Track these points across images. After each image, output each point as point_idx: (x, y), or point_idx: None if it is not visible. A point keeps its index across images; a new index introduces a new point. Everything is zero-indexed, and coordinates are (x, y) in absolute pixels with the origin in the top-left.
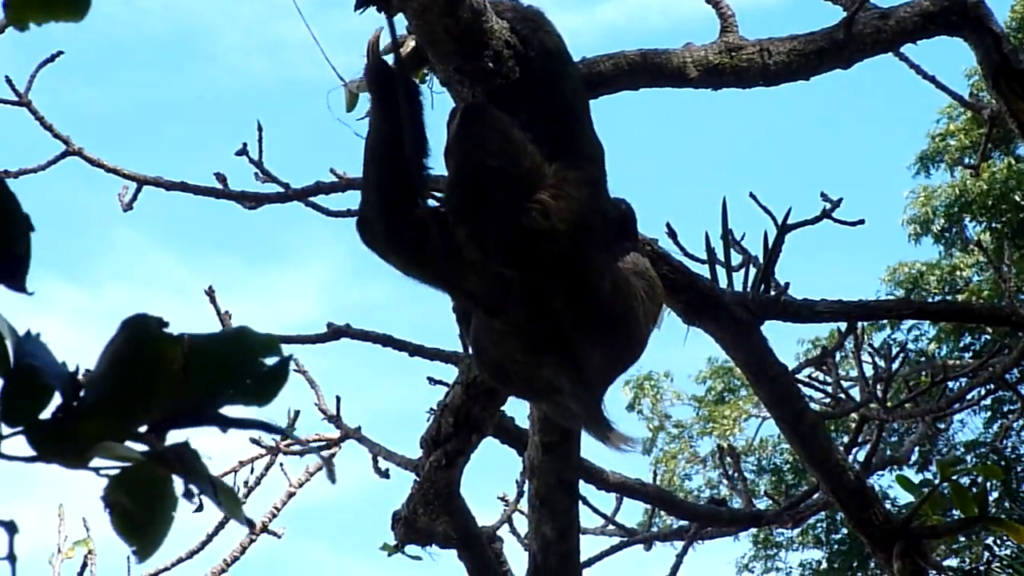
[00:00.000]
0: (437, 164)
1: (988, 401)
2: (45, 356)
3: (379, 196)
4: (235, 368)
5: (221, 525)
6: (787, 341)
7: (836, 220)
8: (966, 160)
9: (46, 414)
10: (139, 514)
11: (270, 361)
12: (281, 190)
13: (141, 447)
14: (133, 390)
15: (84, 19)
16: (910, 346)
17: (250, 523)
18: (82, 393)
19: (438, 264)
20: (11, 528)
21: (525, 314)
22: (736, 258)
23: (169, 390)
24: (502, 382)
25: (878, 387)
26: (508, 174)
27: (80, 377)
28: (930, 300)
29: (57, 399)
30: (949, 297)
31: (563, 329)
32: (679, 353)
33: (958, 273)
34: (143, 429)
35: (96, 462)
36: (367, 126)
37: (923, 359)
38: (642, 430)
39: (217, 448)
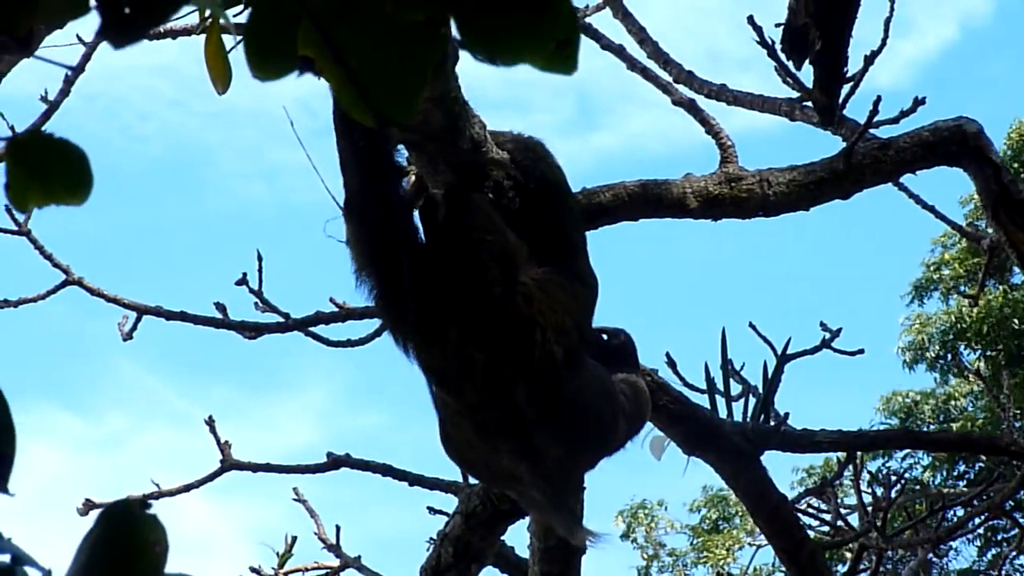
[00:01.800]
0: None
1: (982, 529)
2: (18, 551)
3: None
4: None
5: None
6: (782, 468)
7: (836, 350)
8: (962, 288)
9: None
10: None
11: None
12: (281, 320)
13: None
14: None
15: (87, 199)
16: (905, 474)
17: None
18: None
19: (406, 320)
20: None
21: (481, 398)
22: (736, 388)
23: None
24: (466, 467)
25: (877, 516)
26: (502, 248)
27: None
28: (927, 430)
29: None
30: (944, 426)
31: (520, 418)
32: (673, 482)
33: (952, 402)
34: None
35: None
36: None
37: (918, 487)
38: (636, 559)
39: None
